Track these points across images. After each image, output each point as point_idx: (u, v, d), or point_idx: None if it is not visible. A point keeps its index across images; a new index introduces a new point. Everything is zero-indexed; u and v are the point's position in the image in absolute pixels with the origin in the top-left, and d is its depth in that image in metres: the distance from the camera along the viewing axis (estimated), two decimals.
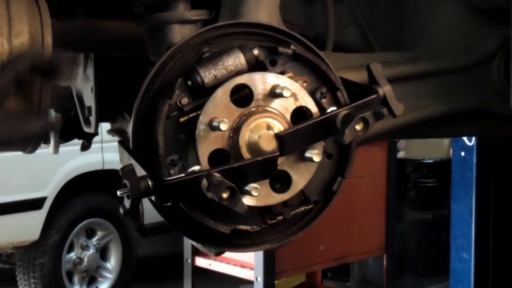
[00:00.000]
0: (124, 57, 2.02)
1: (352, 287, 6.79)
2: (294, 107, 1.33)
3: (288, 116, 1.33)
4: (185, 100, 1.29)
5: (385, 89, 1.36)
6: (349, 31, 1.98)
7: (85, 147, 2.22)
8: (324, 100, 1.37)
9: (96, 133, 2.03)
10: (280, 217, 1.37)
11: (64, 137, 2.09)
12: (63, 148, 2.11)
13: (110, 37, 1.90)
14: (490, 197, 4.68)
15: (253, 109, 1.30)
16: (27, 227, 6.10)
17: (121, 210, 1.27)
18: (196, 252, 5.24)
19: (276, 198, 1.34)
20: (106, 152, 6.53)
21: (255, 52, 1.33)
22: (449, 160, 5.30)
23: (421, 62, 1.78)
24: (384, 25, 1.97)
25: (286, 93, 1.29)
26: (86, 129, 2.00)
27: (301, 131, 1.30)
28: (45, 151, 2.03)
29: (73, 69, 2.09)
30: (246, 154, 1.28)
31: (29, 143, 1.59)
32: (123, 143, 1.48)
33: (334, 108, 1.34)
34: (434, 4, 1.88)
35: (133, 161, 1.28)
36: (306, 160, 1.33)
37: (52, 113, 2.10)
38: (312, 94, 1.36)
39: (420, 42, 1.90)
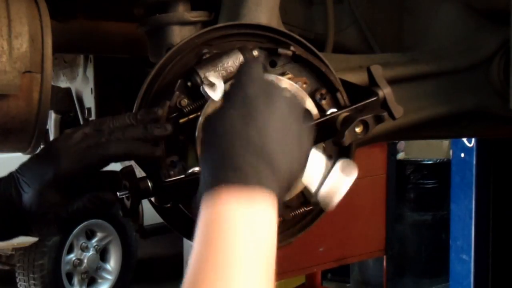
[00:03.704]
0: (124, 58, 2.02)
1: None
2: None
3: None
4: (184, 102, 1.29)
5: (385, 92, 1.36)
6: (349, 32, 1.98)
7: None
8: (324, 102, 1.36)
9: None
10: (279, 219, 1.37)
11: None
12: None
13: (110, 39, 1.90)
14: (490, 198, 4.69)
15: None
16: None
17: (121, 212, 1.27)
18: None
19: None
20: None
21: (255, 53, 1.33)
22: (449, 161, 5.30)
23: (421, 64, 1.78)
24: (384, 26, 1.97)
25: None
26: None
27: None
28: None
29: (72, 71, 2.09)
30: None
31: (29, 144, 1.58)
32: None
33: (334, 109, 1.34)
34: (433, 5, 1.88)
35: (132, 162, 1.28)
36: None
37: (52, 114, 2.10)
38: (312, 95, 1.35)
39: (420, 43, 1.90)
